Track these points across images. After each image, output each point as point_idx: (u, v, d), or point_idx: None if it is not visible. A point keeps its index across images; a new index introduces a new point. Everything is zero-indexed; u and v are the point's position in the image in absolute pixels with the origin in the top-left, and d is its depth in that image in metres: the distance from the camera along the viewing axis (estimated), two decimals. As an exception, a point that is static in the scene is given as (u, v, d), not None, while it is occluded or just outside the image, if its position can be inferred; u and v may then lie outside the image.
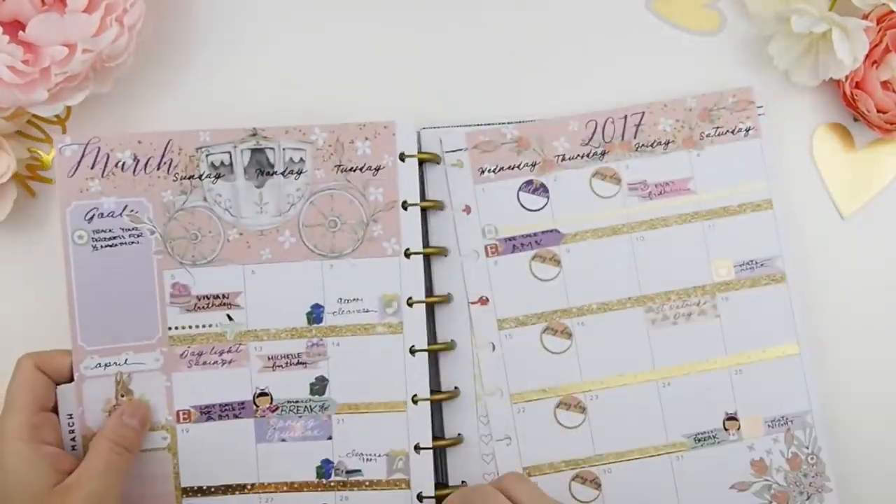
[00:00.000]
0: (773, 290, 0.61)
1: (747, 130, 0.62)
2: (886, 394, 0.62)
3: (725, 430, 0.61)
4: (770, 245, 0.61)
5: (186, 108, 0.62)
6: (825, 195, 0.63)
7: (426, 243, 0.60)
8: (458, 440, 0.60)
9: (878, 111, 0.60)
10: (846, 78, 0.60)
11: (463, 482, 0.60)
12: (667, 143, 0.62)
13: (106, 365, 0.58)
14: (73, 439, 0.58)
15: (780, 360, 0.61)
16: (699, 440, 0.60)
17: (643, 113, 0.62)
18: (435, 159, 0.60)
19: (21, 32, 0.55)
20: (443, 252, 0.60)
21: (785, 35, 0.60)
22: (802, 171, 0.63)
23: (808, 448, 0.61)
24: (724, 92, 0.62)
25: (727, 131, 0.62)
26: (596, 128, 0.61)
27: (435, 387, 0.60)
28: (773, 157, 0.61)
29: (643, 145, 0.62)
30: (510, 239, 0.61)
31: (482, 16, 0.63)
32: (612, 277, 0.61)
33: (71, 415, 0.57)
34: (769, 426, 0.61)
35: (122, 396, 0.58)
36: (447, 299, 0.60)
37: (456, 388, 0.60)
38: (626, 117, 0.61)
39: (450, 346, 0.60)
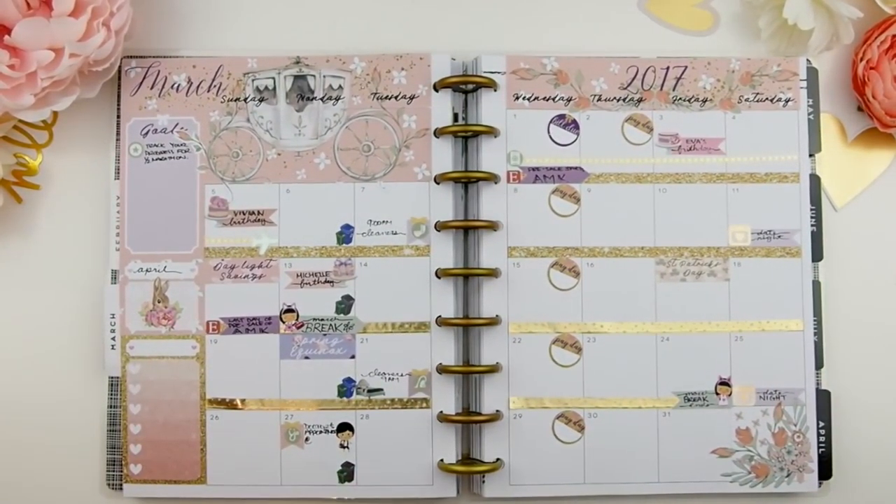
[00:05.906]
0: (786, 264, 0.61)
1: (787, 101, 0.62)
2: (876, 386, 0.62)
3: (716, 394, 0.60)
4: (791, 218, 0.61)
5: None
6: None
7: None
8: (494, 367, 0.60)
9: (886, 96, 0.60)
10: (860, 57, 0.60)
11: (497, 411, 0.60)
12: (704, 101, 0.62)
13: (147, 270, 0.61)
14: (112, 338, 0.61)
15: (782, 334, 0.61)
16: (689, 399, 0.60)
17: (686, 67, 0.62)
18: (489, 84, 0.60)
19: (7, 37, 0.55)
20: (493, 179, 0.61)
21: (773, 9, 0.61)
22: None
23: (796, 426, 0.60)
24: (770, 59, 0.62)
25: (766, 98, 0.62)
26: (636, 73, 0.62)
27: (475, 315, 0.61)
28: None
29: (680, 99, 0.62)
30: (534, 169, 0.61)
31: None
32: (629, 224, 0.61)
33: (113, 314, 0.61)
34: (760, 397, 0.60)
35: (159, 302, 0.60)
36: (495, 226, 0.60)
37: (497, 315, 0.60)
38: (668, 68, 0.62)
39: (494, 272, 0.60)
